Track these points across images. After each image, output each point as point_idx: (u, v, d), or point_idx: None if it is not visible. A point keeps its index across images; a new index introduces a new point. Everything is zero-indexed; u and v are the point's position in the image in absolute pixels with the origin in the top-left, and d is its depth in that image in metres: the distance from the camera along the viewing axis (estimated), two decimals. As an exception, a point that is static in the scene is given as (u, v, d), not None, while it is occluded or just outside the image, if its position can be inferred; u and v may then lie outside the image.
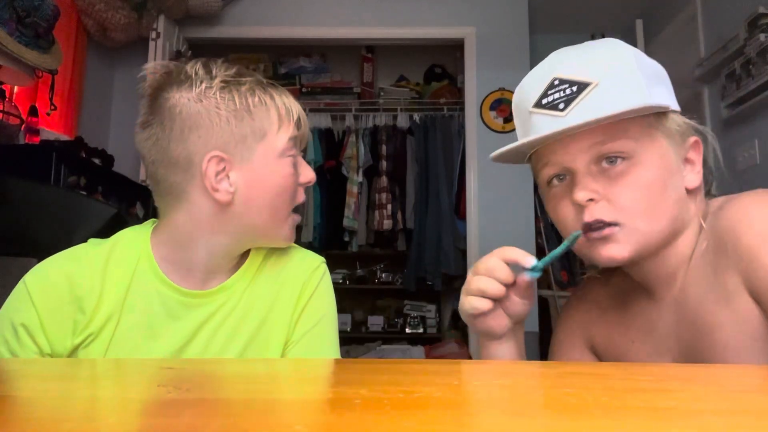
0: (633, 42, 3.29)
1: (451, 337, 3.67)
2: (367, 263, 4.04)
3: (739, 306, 0.60)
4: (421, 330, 3.87)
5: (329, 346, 0.82)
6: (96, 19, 2.87)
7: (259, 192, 0.74)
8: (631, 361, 0.72)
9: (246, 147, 0.73)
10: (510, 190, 3.24)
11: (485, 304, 0.64)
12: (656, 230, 0.64)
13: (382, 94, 4.01)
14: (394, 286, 3.95)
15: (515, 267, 0.64)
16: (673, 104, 0.67)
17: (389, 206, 3.67)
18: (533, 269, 0.62)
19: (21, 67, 1.95)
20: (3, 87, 2.04)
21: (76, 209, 1.82)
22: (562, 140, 0.64)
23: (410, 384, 0.41)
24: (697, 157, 0.68)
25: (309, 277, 0.83)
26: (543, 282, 3.15)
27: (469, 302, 0.65)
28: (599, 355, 0.79)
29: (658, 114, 0.65)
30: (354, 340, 3.79)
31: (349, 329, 3.86)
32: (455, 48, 3.65)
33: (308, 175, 0.79)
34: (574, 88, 0.63)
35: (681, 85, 4.16)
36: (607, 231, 0.63)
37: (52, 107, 2.21)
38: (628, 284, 0.74)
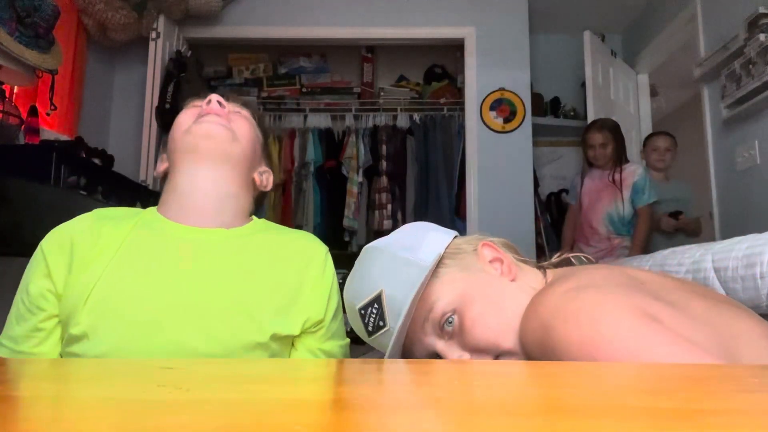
0: (581, 53, 3.31)
1: (451, 337, 3.67)
2: (367, 263, 4.03)
3: None
4: (421, 330, 3.87)
5: (344, 327, 0.95)
6: (96, 19, 2.87)
7: None
8: None
9: None
10: (510, 190, 3.24)
11: None
12: (510, 332, 0.66)
13: (382, 94, 4.01)
14: (394, 286, 3.94)
15: None
16: (443, 239, 0.74)
17: (389, 206, 3.67)
18: None
19: (21, 67, 1.95)
20: (3, 87, 2.04)
21: (76, 209, 1.82)
22: (407, 339, 0.71)
23: (410, 384, 0.41)
24: (495, 252, 0.74)
25: (323, 258, 0.88)
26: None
27: None
28: None
29: (439, 262, 0.71)
30: (354, 340, 3.77)
31: (349, 329, 3.83)
32: (455, 48, 3.65)
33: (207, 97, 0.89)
34: (375, 306, 0.70)
35: (681, 85, 4.15)
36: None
37: (52, 107, 2.21)
38: None
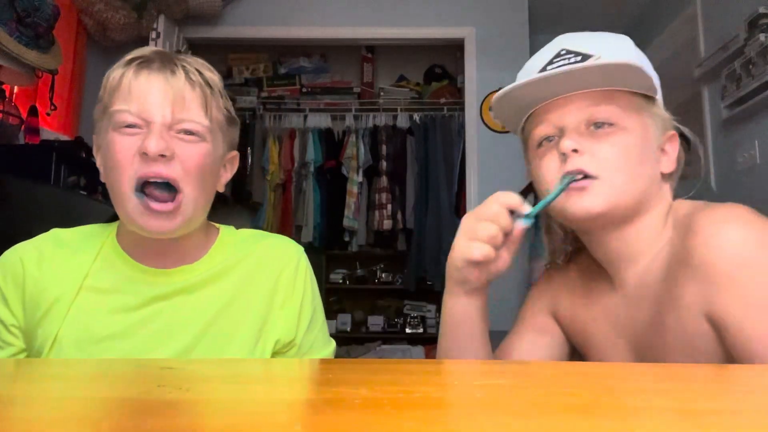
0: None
1: (451, 337, 3.66)
2: (367, 263, 4.04)
3: (689, 323, 0.61)
4: (421, 330, 3.87)
5: (325, 330, 0.86)
6: (96, 19, 2.87)
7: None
8: (590, 337, 0.76)
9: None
10: (510, 190, 3.24)
11: (491, 252, 0.65)
12: (629, 190, 0.66)
13: (382, 94, 4.01)
14: (394, 286, 3.94)
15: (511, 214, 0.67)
16: (660, 98, 0.72)
17: (389, 206, 3.67)
18: (528, 216, 0.66)
19: (21, 67, 1.95)
20: (3, 87, 2.04)
21: (76, 209, 1.82)
22: (558, 101, 0.68)
23: (410, 384, 0.41)
24: (672, 149, 0.72)
25: (293, 268, 0.82)
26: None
27: (479, 249, 0.65)
28: (562, 326, 0.81)
29: (647, 98, 0.69)
30: (354, 340, 3.79)
31: (349, 329, 3.86)
32: (455, 48, 3.64)
33: (144, 146, 0.68)
34: (579, 58, 0.67)
35: (681, 85, 4.17)
36: (585, 182, 0.65)
37: (52, 107, 2.21)
38: (594, 267, 0.76)
